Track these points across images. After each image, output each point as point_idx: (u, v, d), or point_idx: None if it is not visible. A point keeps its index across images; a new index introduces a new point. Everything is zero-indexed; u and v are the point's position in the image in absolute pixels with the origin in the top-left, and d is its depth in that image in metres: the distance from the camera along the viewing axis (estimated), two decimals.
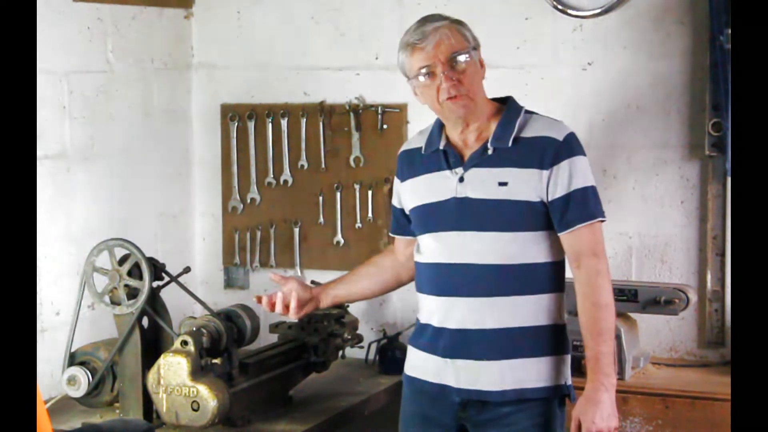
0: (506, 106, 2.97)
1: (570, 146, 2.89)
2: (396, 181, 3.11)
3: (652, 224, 3.85)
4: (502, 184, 2.87)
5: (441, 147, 2.96)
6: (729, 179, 3.70)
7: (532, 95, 3.85)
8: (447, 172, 2.94)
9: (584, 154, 2.92)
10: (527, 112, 2.96)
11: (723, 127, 3.65)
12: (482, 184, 2.88)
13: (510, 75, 3.92)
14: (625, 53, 3.84)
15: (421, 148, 3.01)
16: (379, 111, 4.12)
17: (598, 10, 3.83)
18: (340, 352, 3.70)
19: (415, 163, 3.02)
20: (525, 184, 2.86)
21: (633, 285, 3.69)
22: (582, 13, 3.86)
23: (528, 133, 2.90)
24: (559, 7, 3.87)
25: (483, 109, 2.93)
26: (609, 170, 3.88)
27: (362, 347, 3.87)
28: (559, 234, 2.89)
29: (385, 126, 4.12)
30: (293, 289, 3.09)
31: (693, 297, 3.66)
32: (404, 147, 3.12)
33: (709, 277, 3.78)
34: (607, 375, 2.81)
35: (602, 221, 2.91)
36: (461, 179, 2.91)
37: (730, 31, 3.58)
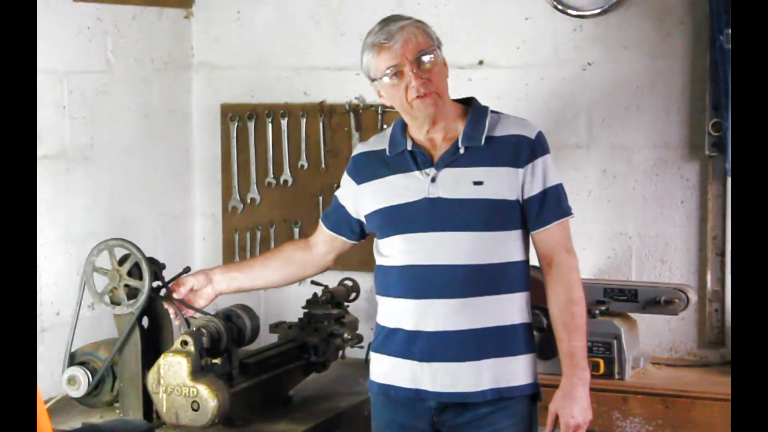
0: (472, 106, 2.96)
1: (542, 144, 2.90)
2: (349, 181, 3.05)
3: (652, 224, 3.85)
4: (477, 183, 2.85)
5: (409, 148, 2.93)
6: (729, 179, 3.70)
7: (532, 95, 3.86)
8: (417, 173, 2.91)
9: (550, 152, 2.93)
10: (493, 111, 2.96)
11: (723, 127, 3.65)
12: (456, 183, 2.87)
13: (510, 75, 3.92)
14: (625, 53, 3.84)
15: (384, 150, 2.97)
16: (379, 111, 4.12)
17: (598, 10, 3.83)
18: (340, 352, 3.70)
19: (378, 165, 2.97)
20: (501, 183, 2.85)
21: (633, 285, 3.69)
22: (582, 13, 3.86)
23: (499, 131, 2.90)
24: (559, 7, 3.87)
25: (449, 108, 2.92)
26: (609, 170, 3.88)
27: (362, 347, 3.87)
28: (532, 232, 2.90)
29: (384, 126, 4.12)
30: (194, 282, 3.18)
31: (693, 297, 3.66)
32: (362, 149, 3.06)
33: (709, 277, 3.78)
34: (582, 369, 2.84)
35: (572, 217, 2.93)
36: (433, 179, 2.88)
37: (730, 31, 3.58)
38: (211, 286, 3.19)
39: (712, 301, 3.78)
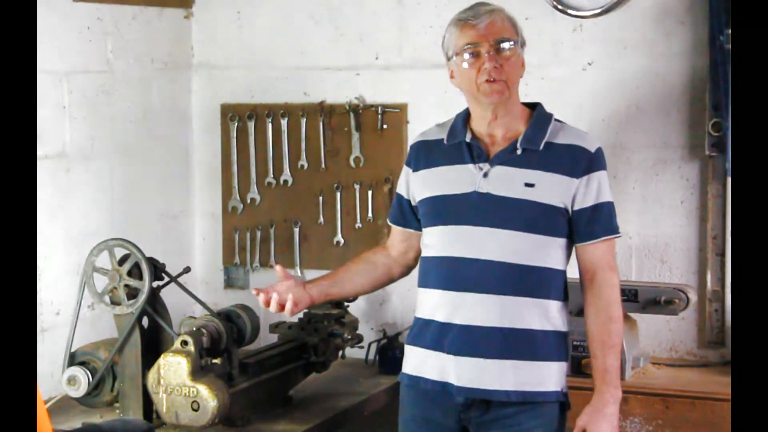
0: (537, 111, 2.97)
1: (600, 159, 2.92)
2: (406, 170, 3.07)
3: (652, 224, 3.85)
4: (529, 185, 2.86)
5: (467, 140, 2.94)
6: (729, 179, 3.70)
7: (532, 95, 3.84)
8: (470, 166, 2.92)
9: (606, 169, 2.95)
10: (556, 120, 2.97)
11: (723, 127, 3.65)
12: (507, 182, 2.87)
13: None
14: (625, 53, 3.84)
15: (442, 139, 2.99)
16: (379, 111, 4.12)
17: (598, 10, 3.83)
18: (340, 352, 3.70)
19: (434, 154, 2.99)
20: (552, 189, 2.86)
21: (633, 285, 3.68)
22: (582, 13, 3.86)
23: (559, 139, 2.91)
24: (559, 7, 3.87)
25: (514, 106, 2.94)
26: (609, 170, 3.81)
27: (362, 347, 3.87)
28: (577, 244, 2.90)
29: (385, 126, 4.12)
30: (290, 289, 3.03)
31: (693, 297, 3.66)
32: (421, 137, 3.08)
33: (709, 277, 3.78)
34: (615, 387, 2.85)
35: (618, 237, 2.94)
36: (485, 174, 2.89)
37: (730, 31, 3.58)
38: (307, 301, 3.06)
39: (712, 301, 3.78)
